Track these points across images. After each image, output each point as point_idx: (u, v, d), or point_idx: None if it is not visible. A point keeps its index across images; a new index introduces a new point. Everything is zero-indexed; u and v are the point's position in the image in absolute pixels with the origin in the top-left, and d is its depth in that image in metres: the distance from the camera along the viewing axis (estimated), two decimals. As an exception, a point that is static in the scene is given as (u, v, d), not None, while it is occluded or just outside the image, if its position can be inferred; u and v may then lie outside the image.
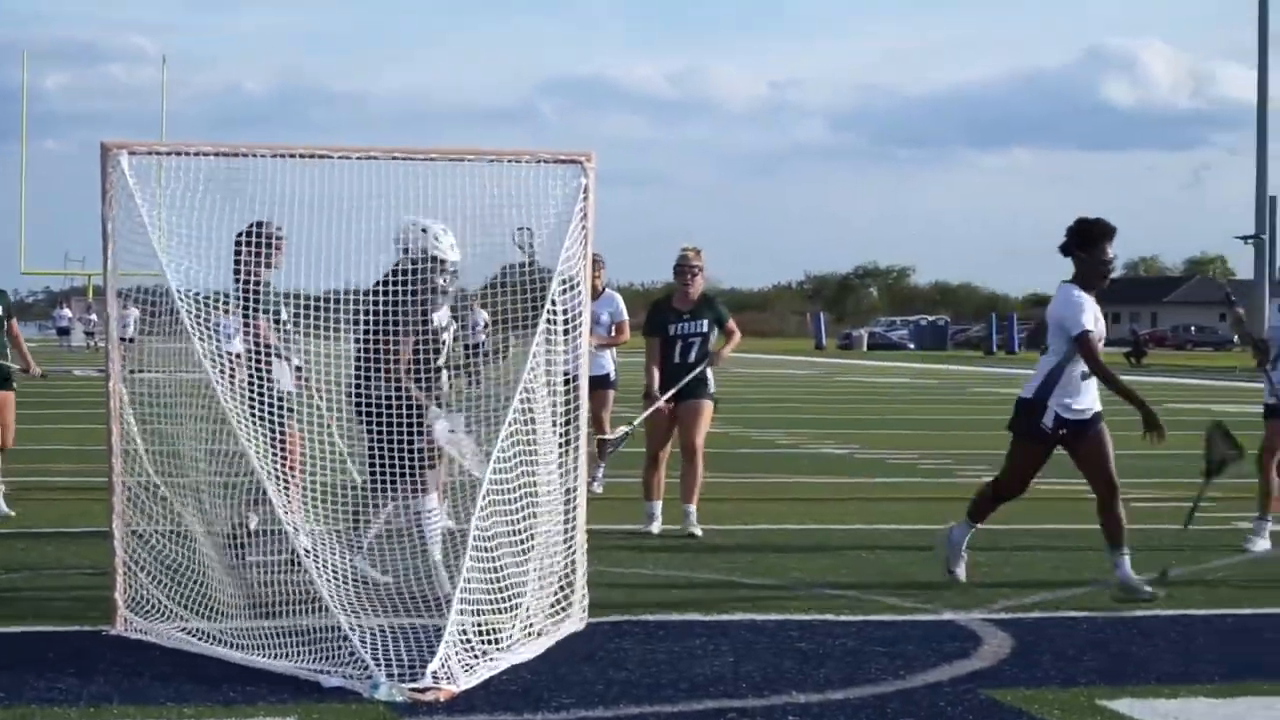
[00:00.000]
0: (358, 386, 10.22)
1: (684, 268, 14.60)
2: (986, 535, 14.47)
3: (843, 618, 10.42)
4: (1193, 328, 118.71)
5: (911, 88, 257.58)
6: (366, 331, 10.20)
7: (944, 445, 24.57)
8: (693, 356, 14.44)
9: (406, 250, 10.23)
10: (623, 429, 14.80)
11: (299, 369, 10.33)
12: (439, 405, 10.19)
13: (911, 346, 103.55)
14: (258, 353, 9.99)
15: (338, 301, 9.85)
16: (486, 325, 10.41)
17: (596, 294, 17.27)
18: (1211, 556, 13.19)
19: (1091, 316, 11.06)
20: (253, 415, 9.49)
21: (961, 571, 11.71)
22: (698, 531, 14.15)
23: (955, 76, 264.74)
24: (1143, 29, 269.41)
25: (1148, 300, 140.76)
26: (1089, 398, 11.15)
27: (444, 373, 10.50)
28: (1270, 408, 13.67)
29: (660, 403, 14.32)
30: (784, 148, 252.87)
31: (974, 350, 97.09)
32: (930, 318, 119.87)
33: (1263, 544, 13.61)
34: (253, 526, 9.65)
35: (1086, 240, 11.16)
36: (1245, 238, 79.30)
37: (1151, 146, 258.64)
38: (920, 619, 10.45)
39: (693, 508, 14.26)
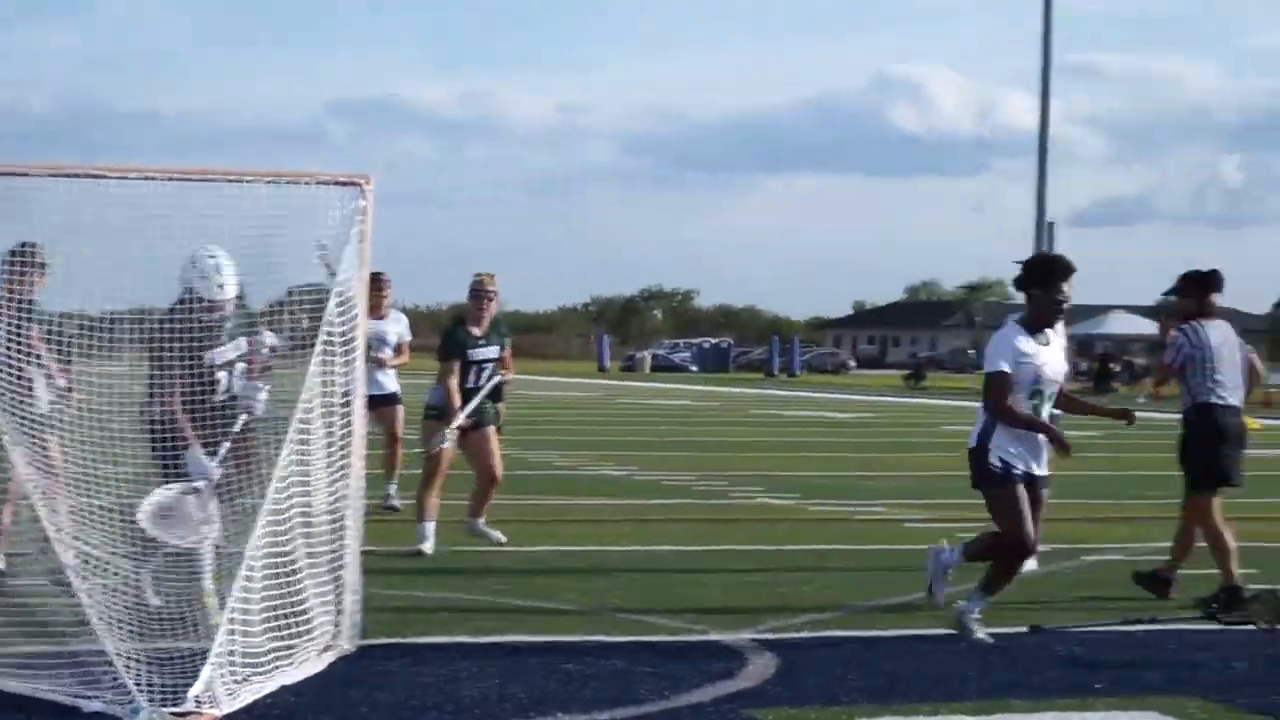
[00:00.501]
0: (146, 407, 10.14)
1: (481, 292, 14.74)
2: (756, 556, 14.66)
3: (612, 639, 10.46)
4: (970, 351, 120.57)
5: (700, 113, 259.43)
6: (152, 357, 10.10)
7: (721, 466, 24.74)
8: (484, 381, 14.59)
9: (186, 286, 10.20)
10: (443, 432, 14.77)
11: (68, 388, 10.18)
12: (209, 446, 10.13)
13: (694, 369, 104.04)
14: (18, 370, 9.82)
15: (115, 323, 9.72)
16: (274, 348, 10.35)
17: (383, 314, 17.33)
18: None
19: (1011, 358, 10.64)
20: (14, 431, 9.33)
21: (940, 597, 11.53)
22: (502, 536, 14.62)
23: (744, 102, 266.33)
24: (929, 56, 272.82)
25: (928, 324, 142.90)
26: (1032, 454, 10.74)
27: (223, 409, 10.41)
28: None
29: (458, 422, 14.44)
30: (572, 171, 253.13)
31: (756, 373, 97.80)
32: (713, 340, 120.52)
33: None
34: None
35: (1046, 277, 10.86)
36: (1021, 263, 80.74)
37: (936, 172, 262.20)
38: (689, 639, 10.53)
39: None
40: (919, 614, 11.60)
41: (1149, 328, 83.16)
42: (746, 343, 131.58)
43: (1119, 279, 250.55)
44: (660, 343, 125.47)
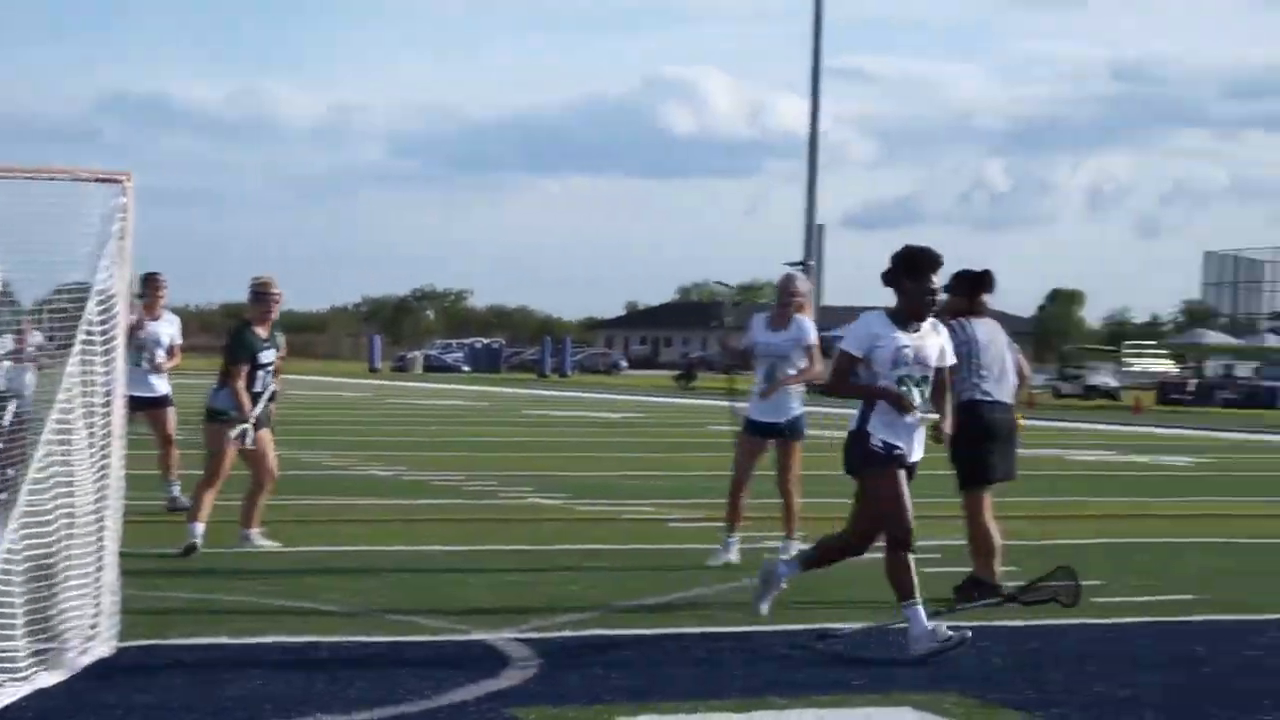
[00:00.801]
0: None
1: (268, 295, 14.73)
2: (523, 556, 14.68)
3: (376, 639, 10.43)
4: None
5: (472, 113, 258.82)
6: None
7: (491, 466, 24.73)
8: (267, 383, 14.60)
9: None
10: (242, 427, 14.64)
11: None
12: None
13: (466, 369, 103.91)
14: None
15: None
16: (41, 347, 10.21)
17: (157, 315, 17.20)
18: (742, 575, 13.53)
19: (865, 342, 10.49)
20: None
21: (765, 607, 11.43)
22: (275, 544, 14.64)
23: (516, 102, 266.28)
24: (702, 59, 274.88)
25: (699, 325, 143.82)
26: (912, 440, 10.59)
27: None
28: (756, 424, 14.21)
29: (253, 420, 14.42)
30: (344, 170, 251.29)
31: (528, 373, 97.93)
32: (486, 340, 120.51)
33: (727, 557, 14.07)
34: None
35: (915, 270, 10.74)
36: (794, 264, 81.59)
37: (708, 173, 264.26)
38: (453, 639, 10.52)
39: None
40: (682, 613, 11.71)
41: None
42: (519, 343, 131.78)
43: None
44: (432, 343, 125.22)
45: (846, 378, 10.57)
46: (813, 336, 14.30)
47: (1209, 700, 9.18)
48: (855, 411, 10.63)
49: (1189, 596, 12.88)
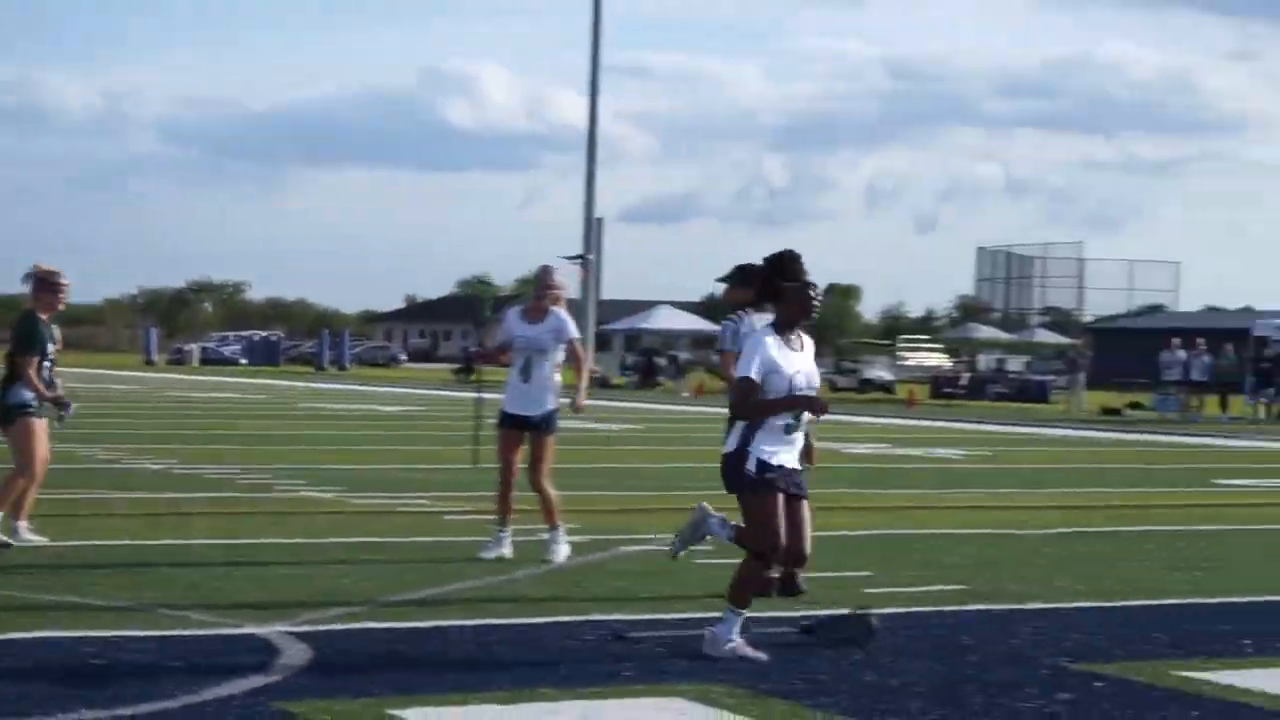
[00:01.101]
0: None
1: (57, 284, 14.62)
2: (295, 549, 14.56)
3: (143, 633, 10.28)
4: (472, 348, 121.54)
5: (250, 104, 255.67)
6: None
7: (266, 460, 24.49)
8: (48, 376, 14.52)
9: None
10: (58, 410, 14.42)
11: None
12: None
13: (244, 362, 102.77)
14: None
15: None
16: None
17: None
18: (515, 568, 13.53)
19: (762, 365, 10.19)
20: None
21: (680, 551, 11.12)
22: (42, 538, 14.38)
23: (293, 93, 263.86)
24: (481, 53, 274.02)
25: (468, 319, 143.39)
26: (791, 454, 10.42)
27: None
28: (510, 416, 14.23)
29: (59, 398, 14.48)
30: (118, 160, 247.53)
31: (306, 366, 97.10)
32: (264, 333, 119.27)
33: (563, 551, 14.11)
34: None
35: (788, 272, 10.64)
36: (572, 257, 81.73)
37: (488, 167, 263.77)
38: (221, 633, 10.40)
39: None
40: (454, 606, 11.67)
41: (696, 323, 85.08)
42: (297, 336, 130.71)
43: (667, 275, 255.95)
44: (209, 336, 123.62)
45: (754, 403, 10.27)
46: (572, 329, 14.31)
47: (973, 689, 9.32)
48: (732, 429, 10.41)
49: (958, 587, 13.07)
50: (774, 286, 10.57)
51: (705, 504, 11.07)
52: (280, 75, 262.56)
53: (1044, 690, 9.30)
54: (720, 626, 10.21)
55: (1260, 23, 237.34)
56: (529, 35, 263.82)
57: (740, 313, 12.77)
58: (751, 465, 10.23)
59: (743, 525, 10.51)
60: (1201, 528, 18.29)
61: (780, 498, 10.29)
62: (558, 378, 14.44)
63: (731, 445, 10.36)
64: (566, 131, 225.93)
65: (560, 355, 14.41)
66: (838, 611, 11.06)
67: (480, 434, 13.99)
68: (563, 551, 14.12)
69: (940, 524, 17.87)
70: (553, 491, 14.25)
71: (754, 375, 10.21)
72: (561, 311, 14.36)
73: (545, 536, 14.31)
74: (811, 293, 10.44)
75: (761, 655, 10.04)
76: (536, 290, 14.50)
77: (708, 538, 11.02)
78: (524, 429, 14.25)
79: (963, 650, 10.43)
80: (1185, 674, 9.82)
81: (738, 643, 10.10)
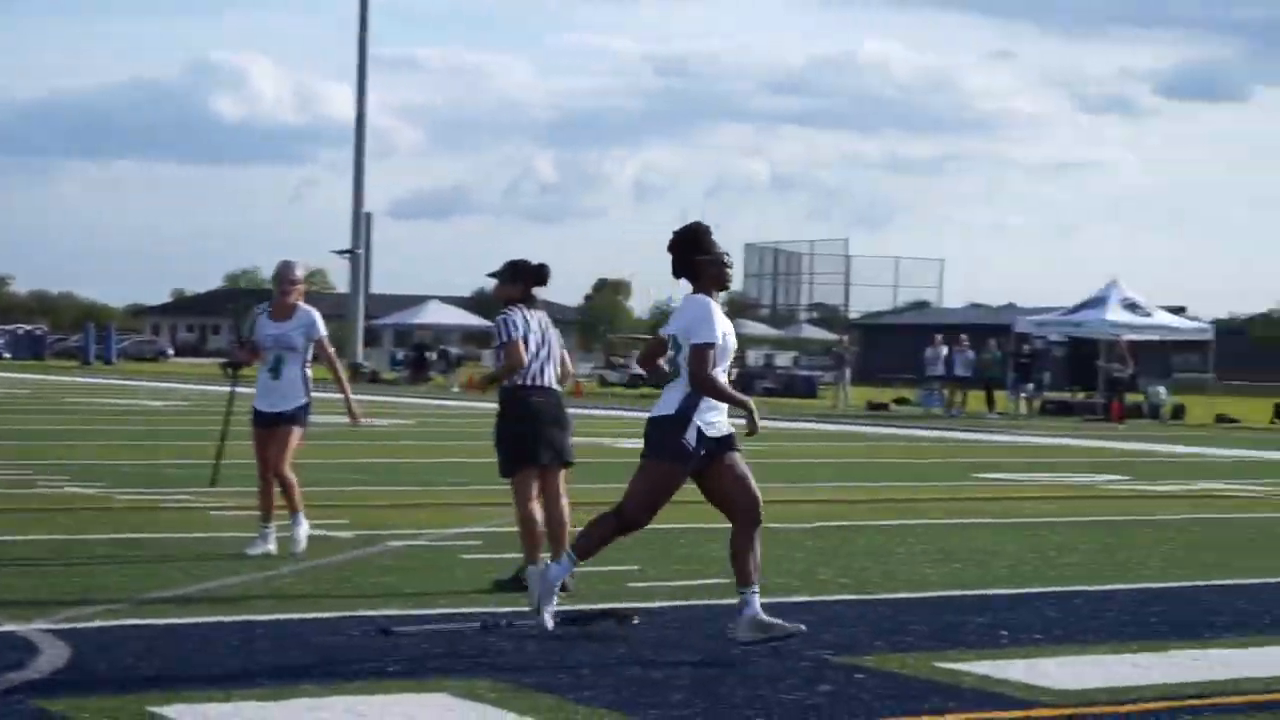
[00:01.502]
0: None
1: None
2: (54, 545, 14.34)
3: (-103, 633, 10.09)
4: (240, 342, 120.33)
5: (13, 93, 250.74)
6: None
7: (28, 456, 24.09)
8: None
9: None
10: None
11: None
12: None
13: (7, 356, 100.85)
14: None
15: None
16: None
17: None
18: (280, 564, 13.44)
19: (713, 330, 10.23)
20: None
21: (549, 617, 10.48)
22: None
23: (56, 83, 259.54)
24: (249, 45, 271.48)
25: (248, 313, 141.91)
26: (724, 418, 10.37)
27: None
28: (261, 414, 14.13)
29: None
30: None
31: (71, 360, 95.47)
32: (28, 327, 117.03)
33: (303, 535, 13.95)
34: None
35: (699, 244, 10.46)
36: (342, 252, 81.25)
37: (258, 161, 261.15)
38: (-21, 632, 10.24)
39: None
40: (218, 602, 11.56)
41: (466, 318, 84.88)
42: (63, 329, 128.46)
43: (437, 269, 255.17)
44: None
45: (714, 379, 10.24)
46: (321, 327, 14.20)
47: (735, 681, 9.43)
48: (676, 394, 10.29)
49: (722, 581, 13.18)
50: (688, 260, 10.53)
51: (531, 568, 11.08)
52: (45, 65, 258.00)
53: (805, 682, 9.43)
54: (554, 567, 10.45)
55: (1020, 23, 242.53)
56: (297, 27, 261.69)
57: (510, 308, 12.79)
58: (691, 436, 10.22)
59: (578, 542, 10.61)
60: (962, 521, 18.63)
61: (682, 475, 10.33)
62: (309, 372, 14.33)
63: (671, 409, 10.29)
64: (335, 125, 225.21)
65: (310, 353, 14.28)
66: (597, 607, 11.13)
67: (229, 428, 13.85)
68: (303, 536, 13.99)
69: (705, 518, 17.93)
70: (294, 478, 14.07)
71: (715, 339, 10.23)
72: (309, 308, 14.22)
73: (318, 533, 14.22)
74: (726, 264, 10.53)
75: (547, 621, 10.34)
76: (280, 287, 14.30)
77: (558, 586, 10.69)
78: (276, 426, 14.11)
79: (726, 643, 10.53)
80: (944, 665, 10.00)
81: (551, 582, 10.40)
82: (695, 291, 10.50)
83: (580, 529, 10.85)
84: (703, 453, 10.31)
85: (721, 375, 10.38)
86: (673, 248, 10.57)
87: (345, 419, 14.75)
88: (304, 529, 14.06)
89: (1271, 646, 11.02)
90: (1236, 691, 9.51)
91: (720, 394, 10.30)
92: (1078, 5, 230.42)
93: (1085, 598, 12.92)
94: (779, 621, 10.28)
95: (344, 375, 14.74)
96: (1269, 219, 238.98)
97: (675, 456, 10.29)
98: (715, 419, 10.35)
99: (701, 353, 10.21)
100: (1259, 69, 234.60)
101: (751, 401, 10.46)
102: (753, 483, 10.47)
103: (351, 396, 14.66)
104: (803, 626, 10.28)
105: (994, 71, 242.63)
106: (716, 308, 10.39)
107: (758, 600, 10.32)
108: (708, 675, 9.59)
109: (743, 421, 10.41)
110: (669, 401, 10.35)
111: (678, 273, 10.60)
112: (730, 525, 10.63)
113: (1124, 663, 10.26)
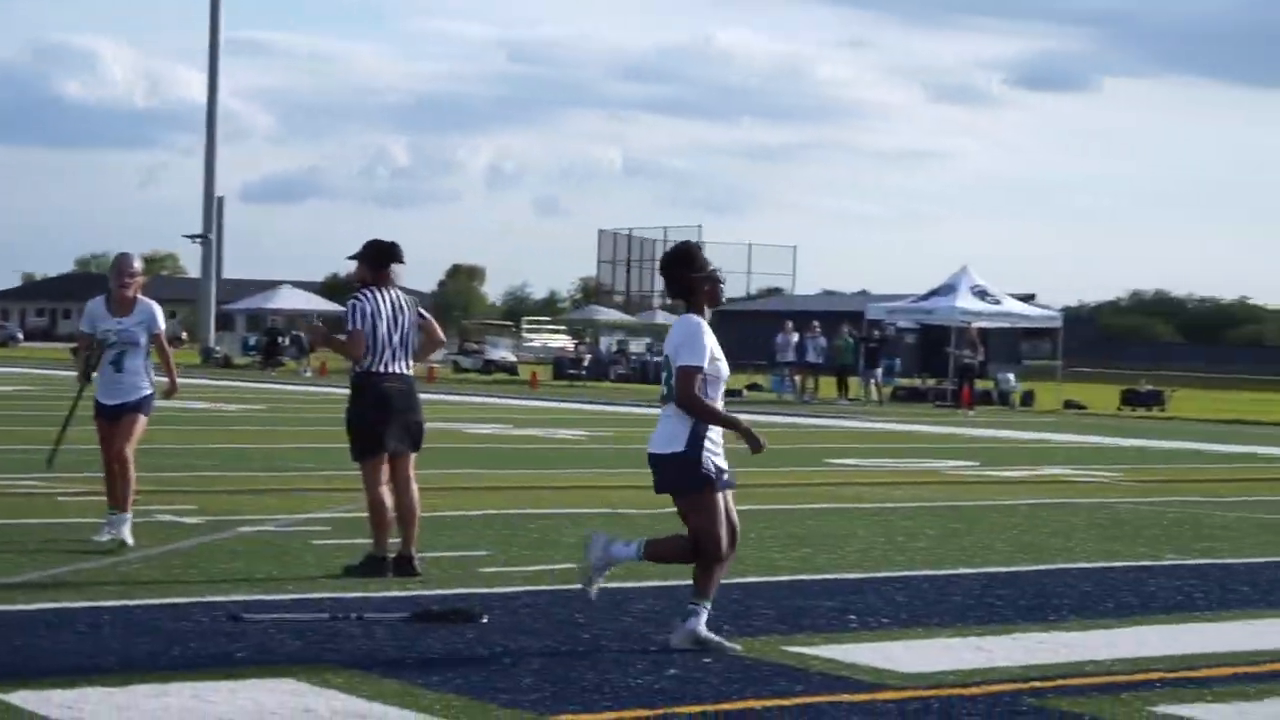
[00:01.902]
0: None
1: None
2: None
3: None
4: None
5: None
6: None
7: None
8: None
9: None
10: None
11: None
12: None
13: None
14: None
15: None
16: None
17: None
18: (129, 550, 13.32)
19: (708, 352, 10.14)
20: None
21: (595, 591, 10.53)
22: None
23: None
24: (98, 27, 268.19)
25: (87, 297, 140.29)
26: (722, 450, 10.26)
27: None
28: (104, 407, 13.98)
29: None
30: None
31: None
32: None
33: (113, 533, 13.77)
34: None
35: (694, 263, 10.38)
36: (193, 236, 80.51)
37: (108, 144, 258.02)
38: None
39: None
40: (65, 588, 11.45)
41: (319, 303, 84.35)
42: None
43: (289, 254, 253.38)
44: None
45: (705, 403, 10.11)
46: (160, 321, 14.04)
47: (585, 665, 9.46)
48: (677, 426, 10.14)
49: (574, 566, 13.20)
50: (683, 278, 10.41)
51: (598, 535, 10.62)
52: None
53: (653, 666, 9.48)
54: (691, 620, 10.11)
55: (873, 12, 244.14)
56: (147, 9, 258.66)
57: (362, 292, 12.75)
58: (710, 467, 10.11)
59: (658, 538, 10.47)
60: (813, 506, 18.77)
61: (721, 494, 10.20)
62: (150, 362, 14.15)
63: (680, 446, 10.12)
64: (187, 109, 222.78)
65: (151, 346, 14.10)
66: (447, 604, 11.12)
67: (75, 413, 13.70)
68: (127, 532, 13.75)
69: (559, 504, 18.04)
70: (134, 472, 13.85)
71: (704, 365, 10.11)
72: (149, 301, 14.06)
73: (167, 518, 14.10)
74: (719, 280, 10.45)
75: (735, 646, 10.06)
76: (118, 280, 14.06)
77: (612, 567, 10.57)
78: (120, 417, 13.93)
79: (576, 628, 10.57)
80: (792, 649, 10.08)
81: (706, 633, 10.09)
82: (689, 309, 10.39)
83: (662, 536, 10.61)
84: (725, 477, 10.21)
85: (717, 401, 10.26)
86: (667, 268, 10.46)
87: (195, 404, 14.62)
88: (128, 526, 13.79)
89: (1114, 629, 11.20)
90: (1079, 674, 9.66)
91: (710, 415, 10.15)
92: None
93: (932, 582, 13.06)
94: (717, 639, 10.13)
95: (173, 364, 14.59)
96: (1117, 208, 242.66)
97: (703, 483, 10.13)
98: (717, 451, 10.22)
99: (688, 375, 10.08)
100: (1107, 60, 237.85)
101: (744, 421, 10.32)
102: (734, 513, 10.35)
103: (175, 375, 14.55)
104: (738, 647, 10.10)
105: (846, 61, 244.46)
106: (707, 329, 10.24)
107: (705, 616, 10.15)
108: (557, 660, 9.61)
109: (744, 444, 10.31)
110: (674, 435, 10.17)
111: (674, 292, 10.51)
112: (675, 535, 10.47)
113: (970, 646, 10.40)
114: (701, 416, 10.11)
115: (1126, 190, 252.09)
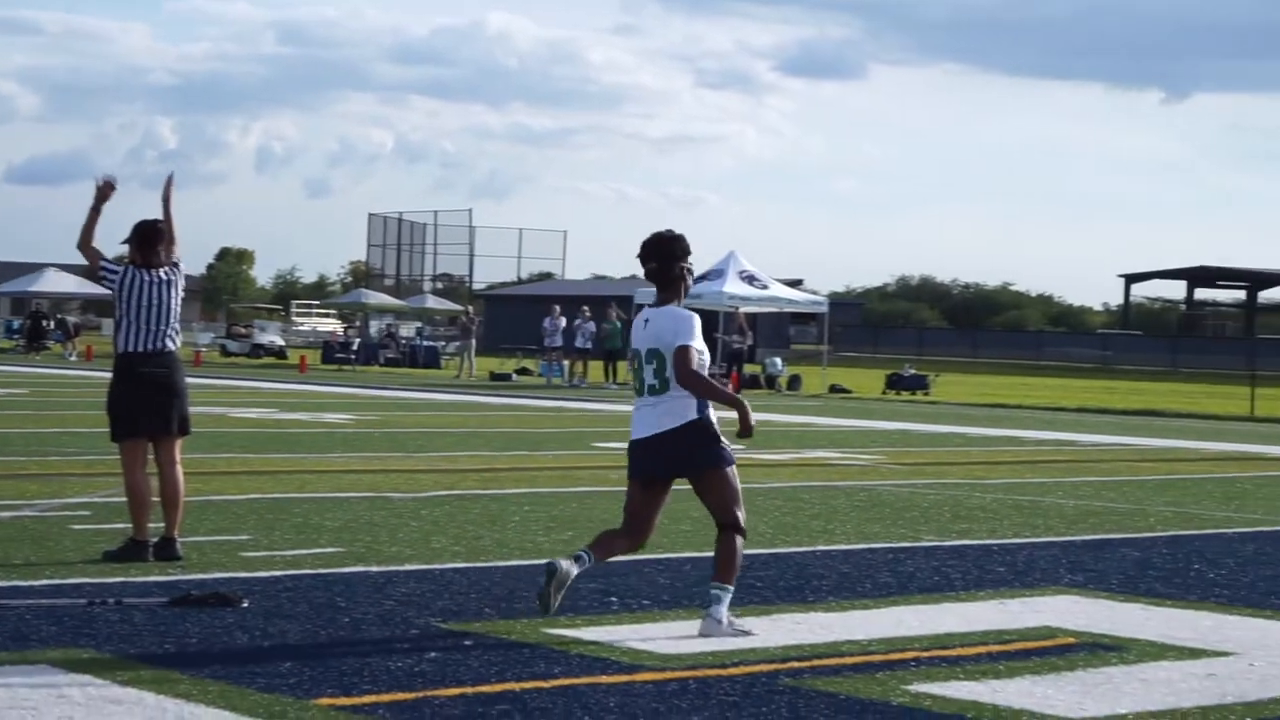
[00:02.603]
0: None
1: None
2: None
3: None
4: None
5: None
6: None
7: None
8: None
9: None
10: None
11: None
12: None
13: None
14: None
15: None
16: None
17: None
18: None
19: (698, 337, 10.16)
20: None
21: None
22: None
23: None
24: None
25: None
26: None
27: None
28: None
29: None
30: None
31: None
32: None
33: None
34: None
35: (680, 251, 10.25)
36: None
37: None
38: None
39: None
40: None
41: (84, 286, 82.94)
42: None
43: (54, 237, 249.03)
44: None
45: (704, 378, 10.13)
46: None
47: (345, 649, 9.42)
48: (683, 402, 10.12)
49: (336, 550, 13.16)
50: (665, 267, 10.31)
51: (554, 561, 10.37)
52: None
53: (414, 649, 9.47)
54: (715, 608, 10.11)
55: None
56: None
57: (132, 269, 12.54)
58: (721, 434, 10.13)
59: (599, 542, 10.42)
60: (579, 489, 18.83)
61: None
62: None
63: (693, 414, 10.08)
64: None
65: None
66: (208, 588, 11.03)
67: None
68: None
69: (323, 488, 17.93)
70: None
71: (697, 344, 10.10)
72: None
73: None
74: (691, 272, 10.42)
75: (752, 632, 10.16)
76: None
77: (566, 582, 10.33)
78: None
79: (337, 612, 10.53)
80: (554, 631, 10.12)
81: (731, 620, 10.17)
82: (664, 300, 10.32)
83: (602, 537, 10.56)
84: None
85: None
86: (656, 255, 10.33)
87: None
88: None
89: (872, 610, 11.38)
90: (837, 654, 9.80)
91: (712, 391, 10.18)
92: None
93: (695, 564, 13.17)
94: (735, 627, 10.19)
95: None
96: (884, 195, 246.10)
97: (723, 457, 10.19)
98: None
99: (687, 352, 10.06)
100: (874, 48, 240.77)
101: (746, 402, 10.34)
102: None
103: None
104: (753, 632, 10.21)
105: (617, 46, 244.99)
106: (698, 320, 10.24)
107: (728, 601, 10.21)
108: (317, 643, 9.57)
109: (734, 415, 10.28)
110: (674, 411, 10.15)
111: (657, 277, 10.34)
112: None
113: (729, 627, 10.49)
114: (704, 392, 10.12)
115: (893, 177, 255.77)
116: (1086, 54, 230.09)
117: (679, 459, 10.22)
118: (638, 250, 10.45)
